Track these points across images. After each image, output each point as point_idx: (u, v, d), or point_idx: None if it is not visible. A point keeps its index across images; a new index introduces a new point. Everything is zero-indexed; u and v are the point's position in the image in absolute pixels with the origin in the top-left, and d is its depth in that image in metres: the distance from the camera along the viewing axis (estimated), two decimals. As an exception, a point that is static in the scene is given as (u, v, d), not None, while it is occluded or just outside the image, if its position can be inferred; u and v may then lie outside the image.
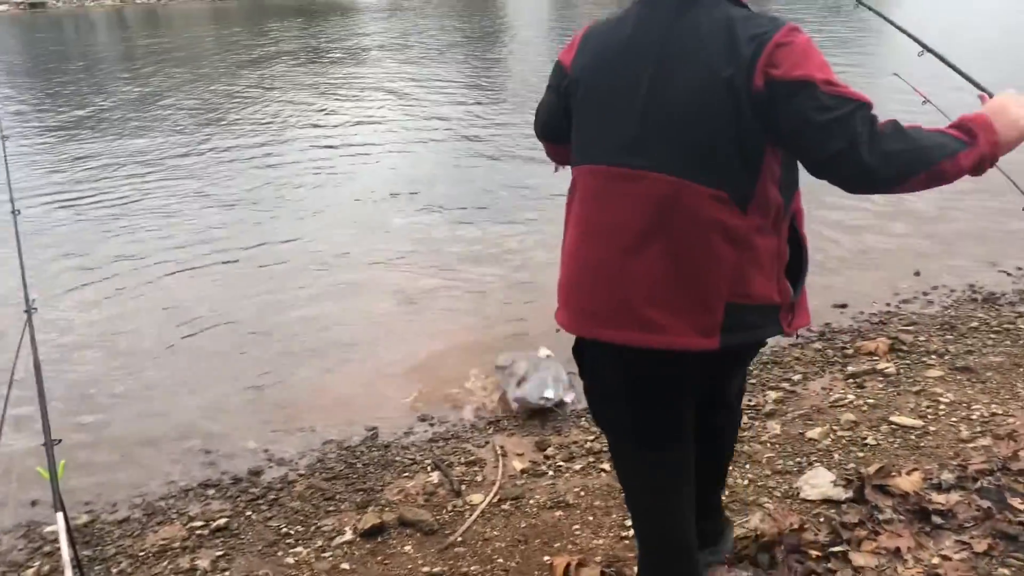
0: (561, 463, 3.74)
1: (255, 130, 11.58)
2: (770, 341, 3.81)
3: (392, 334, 5.32)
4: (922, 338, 4.88)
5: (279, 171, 9.40)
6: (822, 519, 3.11)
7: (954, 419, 3.84)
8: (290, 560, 3.17)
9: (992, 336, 4.85)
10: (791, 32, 1.86)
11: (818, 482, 3.34)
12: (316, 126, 11.75)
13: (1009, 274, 6.01)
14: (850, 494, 3.22)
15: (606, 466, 3.63)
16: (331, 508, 3.56)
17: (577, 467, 3.68)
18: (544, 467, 3.71)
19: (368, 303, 5.83)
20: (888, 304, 5.56)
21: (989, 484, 3.21)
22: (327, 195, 8.56)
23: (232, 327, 5.56)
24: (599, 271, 2.05)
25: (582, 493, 3.46)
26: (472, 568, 3.00)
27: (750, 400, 4.23)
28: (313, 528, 3.40)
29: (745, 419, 4.02)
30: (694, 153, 1.92)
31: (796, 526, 2.98)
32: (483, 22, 20.81)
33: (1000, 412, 3.87)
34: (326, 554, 3.20)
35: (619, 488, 3.43)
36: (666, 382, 2.15)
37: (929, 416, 3.89)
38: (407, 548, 3.19)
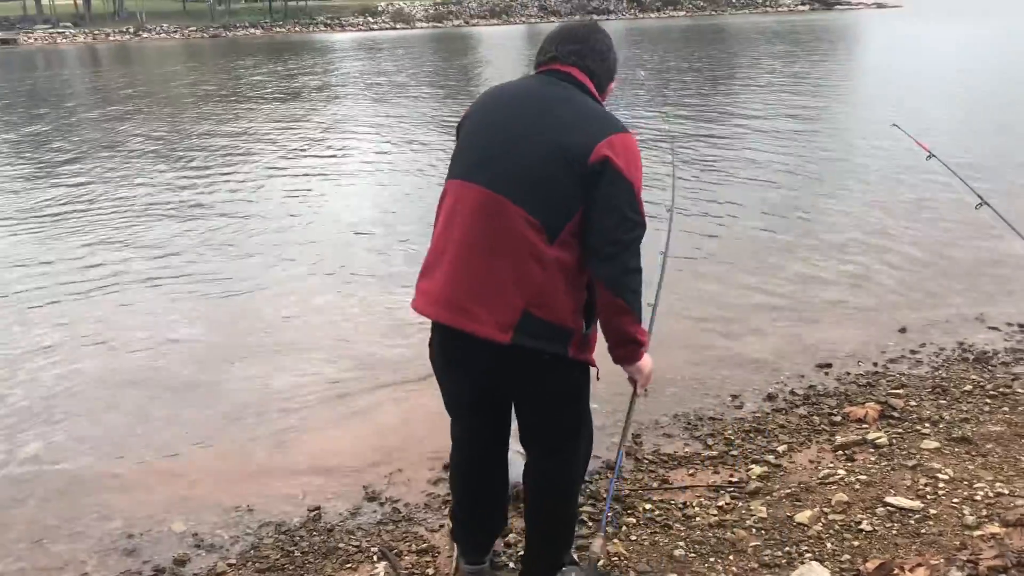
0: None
1: (225, 164, 11.20)
2: (751, 407, 4.55)
3: (347, 403, 4.90)
4: (913, 403, 4.55)
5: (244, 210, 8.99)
6: (819, 628, 2.72)
7: (956, 500, 3.50)
8: None
9: (988, 401, 4.53)
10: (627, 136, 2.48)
11: (813, 581, 2.96)
12: (281, 161, 11.37)
13: (999, 330, 5.72)
14: (846, 598, 2.84)
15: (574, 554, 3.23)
16: (259, 613, 3.12)
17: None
18: (504, 558, 3.31)
19: (318, 362, 5.41)
20: (875, 364, 5.24)
21: (1006, 585, 2.85)
22: (289, 237, 8.17)
23: (164, 380, 5.13)
24: (444, 263, 2.54)
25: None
26: None
27: (731, 476, 3.87)
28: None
29: (728, 499, 3.66)
30: (522, 185, 2.43)
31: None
32: (454, 61, 20.59)
33: (1006, 492, 3.53)
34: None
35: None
36: (471, 362, 2.60)
37: (928, 496, 3.54)
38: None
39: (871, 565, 2.93)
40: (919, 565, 2.95)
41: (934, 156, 2.73)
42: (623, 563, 3.22)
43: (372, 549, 3.48)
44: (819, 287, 6.62)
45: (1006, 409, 4.40)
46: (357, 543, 3.54)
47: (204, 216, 9.03)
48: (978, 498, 3.50)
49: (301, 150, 12.81)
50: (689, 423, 4.54)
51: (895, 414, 4.41)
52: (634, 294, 2.51)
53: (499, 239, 2.45)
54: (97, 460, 4.32)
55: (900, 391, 4.73)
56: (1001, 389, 4.66)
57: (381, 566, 3.35)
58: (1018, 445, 3.96)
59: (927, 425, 4.26)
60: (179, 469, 4.22)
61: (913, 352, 5.41)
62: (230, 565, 3.44)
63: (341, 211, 9.17)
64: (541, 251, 2.43)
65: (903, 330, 5.76)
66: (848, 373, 5.12)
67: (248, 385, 5.13)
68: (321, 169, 11.30)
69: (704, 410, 4.69)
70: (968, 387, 4.74)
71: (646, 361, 2.69)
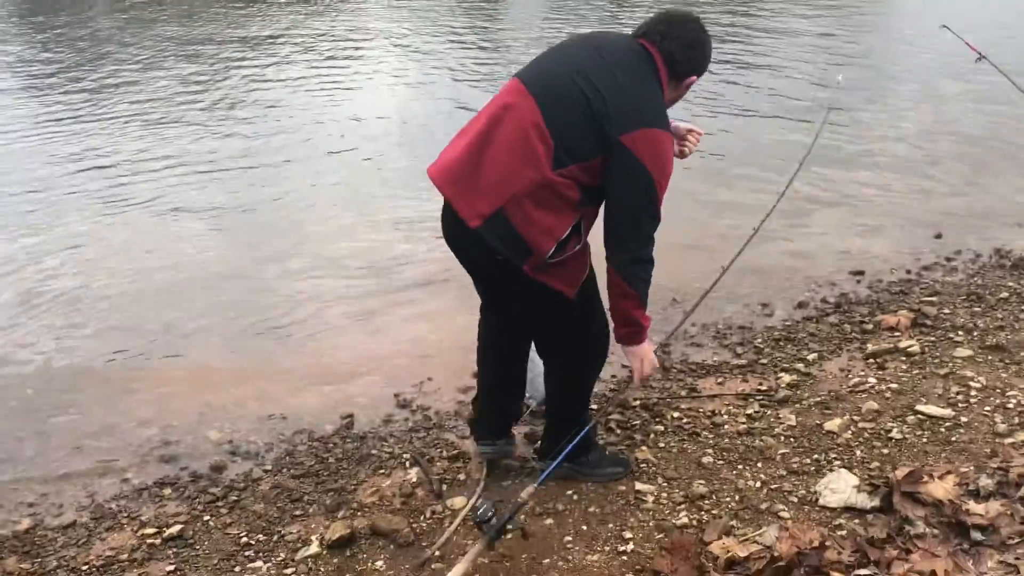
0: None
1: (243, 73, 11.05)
2: (782, 315, 4.69)
3: (377, 313, 4.92)
4: (947, 311, 4.49)
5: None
6: (845, 533, 2.75)
7: (988, 408, 3.48)
8: (252, 579, 2.82)
9: (1024, 308, 4.46)
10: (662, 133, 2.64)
11: (839, 487, 2.98)
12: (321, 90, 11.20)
13: (1035, 233, 5.60)
14: (876, 502, 2.86)
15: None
16: (298, 512, 3.20)
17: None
18: (534, 463, 3.34)
19: (352, 279, 5.38)
20: (908, 271, 5.17)
21: (1035, 489, 2.84)
22: (313, 149, 8.08)
23: (201, 296, 5.17)
24: (465, 138, 2.72)
25: (575, 498, 3.11)
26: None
27: (760, 384, 3.86)
28: (276, 537, 3.05)
29: (756, 407, 3.66)
30: (556, 105, 2.59)
31: (816, 543, 2.62)
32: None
33: (1042, 397, 3.50)
34: (288, 570, 2.85)
35: (616, 492, 3.09)
36: (459, 241, 2.80)
37: (960, 404, 3.52)
38: (378, 564, 2.85)
39: (900, 472, 2.92)
40: (948, 472, 2.94)
41: (984, 57, 2.64)
42: (651, 469, 3.24)
43: (404, 456, 3.54)
44: (851, 193, 6.48)
45: (1041, 317, 4.33)
46: (390, 450, 3.60)
47: (229, 126, 8.94)
48: (1010, 406, 3.48)
49: (324, 60, 12.59)
50: (718, 332, 4.52)
51: (928, 322, 4.36)
52: (642, 282, 2.73)
53: (513, 138, 2.61)
54: (132, 371, 4.39)
55: (933, 298, 4.67)
56: (1040, 297, 4.58)
57: (413, 471, 3.40)
58: (1053, 352, 3.90)
59: (960, 333, 4.21)
60: (212, 379, 4.29)
61: (948, 259, 5.33)
62: (266, 471, 3.52)
63: (370, 125, 9.01)
64: (541, 168, 2.57)
65: (939, 236, 5.66)
66: (880, 280, 5.05)
67: (274, 296, 5.15)
68: (348, 81, 11.10)
69: (733, 319, 4.66)
70: (1004, 294, 4.67)
71: (646, 348, 2.89)
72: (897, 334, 4.26)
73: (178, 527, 3.14)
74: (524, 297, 2.84)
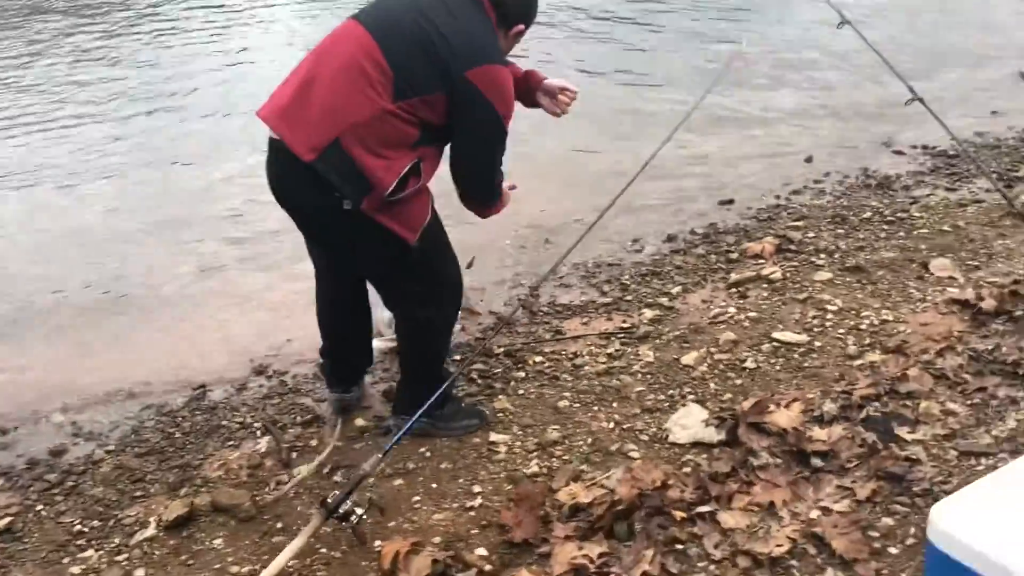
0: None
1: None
2: (651, 249, 4.65)
3: (229, 273, 4.70)
4: (811, 234, 4.51)
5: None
6: (690, 469, 2.72)
7: (842, 331, 3.50)
8: (75, 570, 2.66)
9: (885, 227, 4.51)
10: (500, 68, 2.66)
11: (689, 422, 2.96)
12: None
13: (904, 153, 5.67)
14: (723, 435, 2.84)
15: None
16: (138, 493, 3.04)
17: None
18: (389, 421, 3.23)
19: (201, 240, 5.09)
20: (778, 197, 5.18)
21: (876, 412, 2.87)
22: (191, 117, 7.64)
23: (55, 266, 4.86)
24: (296, 76, 2.66)
25: (427, 455, 3.02)
26: (290, 564, 2.52)
27: (623, 322, 3.81)
28: (112, 522, 2.88)
29: (618, 345, 3.62)
30: (395, 40, 2.57)
31: (659, 483, 2.58)
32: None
33: (891, 319, 3.54)
34: (120, 557, 2.69)
35: (471, 446, 3.01)
36: (288, 181, 2.71)
37: (815, 329, 3.53)
38: (217, 542, 2.71)
39: (747, 404, 2.91)
40: (795, 400, 2.95)
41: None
42: (508, 418, 3.17)
43: (255, 424, 3.39)
44: (723, 125, 6.44)
45: (902, 234, 4.38)
46: (241, 419, 3.44)
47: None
48: (863, 327, 3.50)
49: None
50: (587, 271, 4.45)
51: (792, 247, 4.36)
52: (494, 198, 2.90)
53: (349, 69, 2.55)
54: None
55: (800, 223, 4.69)
56: (899, 214, 4.64)
57: (264, 441, 3.26)
58: (908, 270, 3.95)
59: (823, 256, 4.23)
60: (57, 356, 4.04)
61: (817, 182, 5.35)
62: (108, 452, 3.32)
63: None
64: (380, 97, 2.53)
65: (809, 159, 5.69)
66: (750, 208, 5.05)
67: (125, 266, 4.85)
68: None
69: (603, 257, 4.60)
70: (867, 214, 4.71)
71: (503, 202, 3.01)
72: (761, 261, 4.25)
73: (6, 520, 2.94)
74: (363, 243, 2.75)
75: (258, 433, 3.33)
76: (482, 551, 2.50)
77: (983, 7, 9.30)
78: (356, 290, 3.14)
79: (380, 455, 2.60)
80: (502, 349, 3.70)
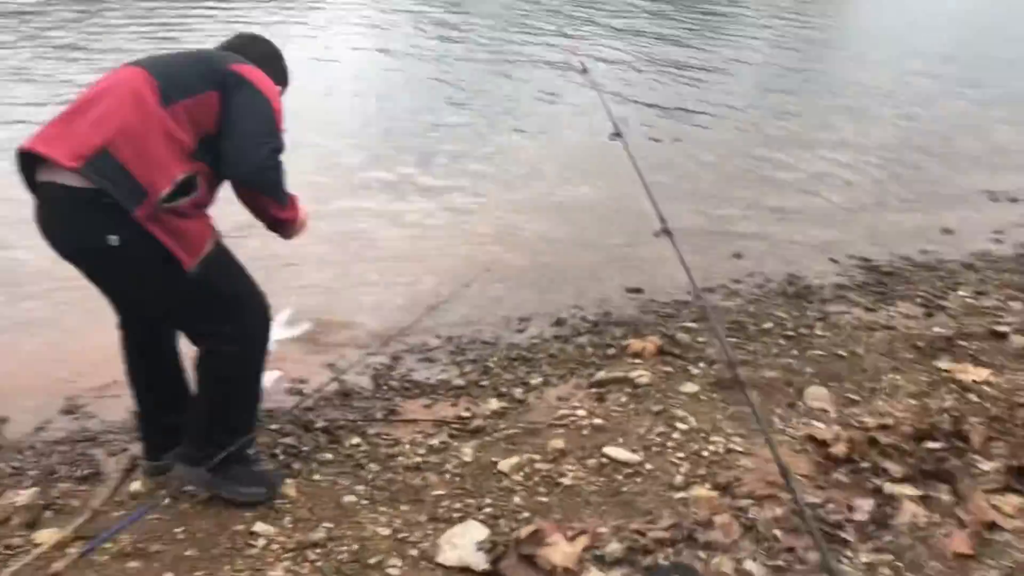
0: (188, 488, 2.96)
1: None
2: (534, 331, 4.41)
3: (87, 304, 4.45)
4: (701, 339, 4.22)
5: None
6: (438, 600, 2.42)
7: (680, 455, 3.19)
8: None
9: (781, 342, 4.21)
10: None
11: (462, 542, 2.66)
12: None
13: (838, 262, 5.39)
14: (488, 565, 2.54)
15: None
16: None
17: (191, 499, 2.92)
18: (174, 474, 2.95)
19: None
20: (689, 292, 4.87)
21: (664, 560, 2.55)
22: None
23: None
24: (59, 115, 2.55)
25: (180, 536, 2.73)
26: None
27: (465, 410, 3.53)
28: None
29: (445, 437, 3.36)
30: (160, 65, 2.63)
31: (385, 615, 2.28)
32: None
33: (740, 449, 3.23)
34: None
35: (232, 532, 2.74)
36: (61, 210, 2.51)
37: (654, 449, 3.23)
38: (-95, 611, 2.43)
39: (525, 531, 2.61)
40: (583, 533, 2.64)
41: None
42: (287, 507, 2.89)
43: (31, 472, 3.14)
44: (682, 204, 6.20)
45: (795, 352, 4.09)
46: (19, 463, 3.20)
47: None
48: (705, 454, 3.20)
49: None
50: (459, 346, 4.19)
51: (675, 350, 4.07)
52: (272, 184, 2.67)
53: (112, 90, 2.54)
54: None
55: (695, 324, 4.40)
56: (801, 330, 4.35)
57: (27, 493, 2.99)
58: (781, 395, 3.65)
59: (702, 365, 3.94)
60: None
61: (736, 281, 5.08)
62: None
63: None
64: (148, 105, 2.49)
65: (738, 255, 5.41)
66: (655, 300, 4.79)
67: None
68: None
69: (482, 332, 4.34)
70: (769, 324, 4.42)
71: (301, 223, 2.92)
72: (638, 361, 3.97)
73: None
74: (140, 274, 2.59)
75: (27, 483, 3.06)
76: (172, 665, 2.21)
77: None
78: (159, 342, 2.93)
79: (78, 553, 2.37)
80: (324, 423, 3.43)
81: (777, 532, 2.68)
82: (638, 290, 4.86)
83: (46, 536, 2.74)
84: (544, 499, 2.93)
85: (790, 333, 4.30)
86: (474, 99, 8.91)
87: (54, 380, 3.75)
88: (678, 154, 7.36)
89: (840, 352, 4.07)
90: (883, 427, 3.28)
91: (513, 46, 11.84)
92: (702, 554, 2.59)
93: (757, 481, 2.96)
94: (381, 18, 13.93)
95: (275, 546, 2.70)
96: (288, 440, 3.31)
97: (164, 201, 2.46)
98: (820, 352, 4.07)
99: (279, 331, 3.92)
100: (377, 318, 4.37)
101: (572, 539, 2.62)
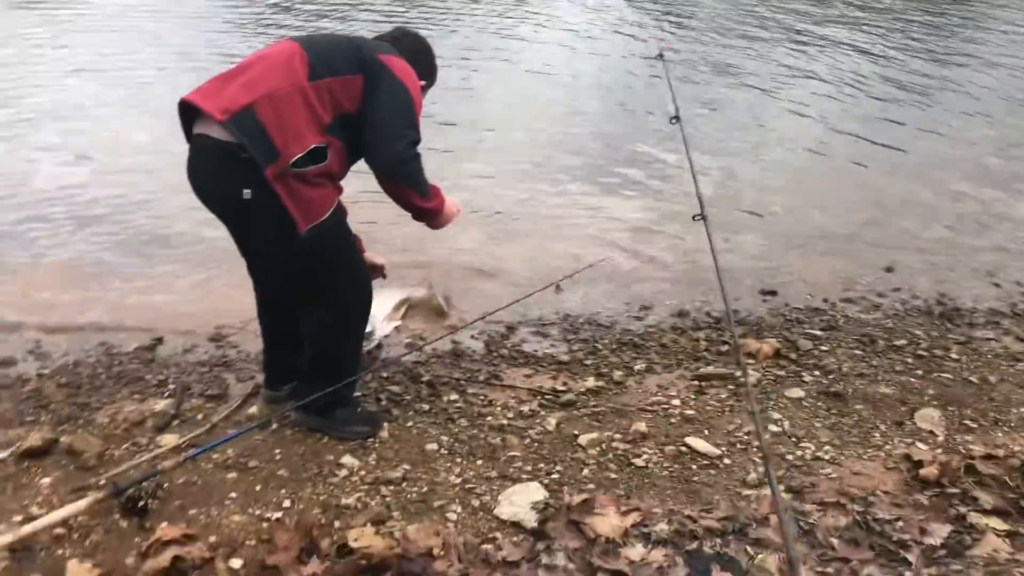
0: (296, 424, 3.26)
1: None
2: (652, 320, 4.44)
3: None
4: (824, 348, 4.11)
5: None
6: (484, 548, 2.57)
7: (762, 456, 3.15)
8: (-76, 468, 2.90)
9: (909, 361, 4.02)
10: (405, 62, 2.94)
11: (520, 500, 2.80)
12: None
13: (999, 286, 5.03)
14: (536, 524, 2.66)
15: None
16: (30, 418, 3.27)
17: (296, 428, 3.22)
18: (290, 412, 3.27)
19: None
20: (826, 300, 4.75)
21: (710, 549, 2.58)
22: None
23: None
24: (218, 75, 2.83)
25: (277, 457, 3.04)
26: (83, 517, 2.63)
27: (562, 385, 3.64)
28: (-9, 437, 3.12)
29: (535, 406, 3.47)
30: (314, 43, 2.86)
31: (429, 550, 2.47)
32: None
33: (827, 457, 3.16)
34: (-34, 469, 2.91)
35: (321, 461, 3.01)
36: (207, 158, 2.79)
37: (738, 446, 3.23)
38: (45, 480, 2.87)
39: (577, 498, 2.71)
40: (635, 510, 2.71)
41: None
42: (376, 445, 3.13)
43: (171, 385, 3.55)
44: (824, 207, 6.01)
45: (919, 372, 3.90)
46: (163, 376, 3.62)
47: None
48: (790, 457, 3.17)
49: None
50: (573, 325, 4.30)
51: (793, 355, 4.00)
52: (412, 176, 2.90)
53: (267, 58, 2.80)
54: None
55: (821, 333, 4.28)
56: (935, 351, 4.13)
57: (164, 403, 3.40)
58: (890, 412, 3.51)
59: (816, 373, 3.85)
60: (54, 278, 4.40)
61: (880, 295, 4.86)
62: (40, 375, 3.60)
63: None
64: (297, 75, 2.72)
65: (889, 269, 5.17)
66: (787, 305, 4.67)
67: (141, 213, 5.21)
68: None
69: (600, 315, 4.42)
70: (902, 342, 4.22)
71: (449, 211, 3.12)
72: (751, 361, 3.93)
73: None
74: (260, 229, 2.83)
75: (166, 393, 3.47)
76: (237, 562, 2.49)
77: None
78: (284, 293, 3.18)
79: (183, 457, 2.70)
80: (430, 377, 3.65)
81: (835, 541, 2.63)
82: (772, 292, 4.76)
83: (167, 440, 3.13)
84: (613, 475, 3.01)
85: (922, 353, 4.10)
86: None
87: (208, 311, 4.17)
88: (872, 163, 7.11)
89: (971, 378, 3.84)
90: (990, 456, 3.10)
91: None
92: (750, 549, 2.59)
93: (830, 490, 2.90)
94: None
95: (355, 478, 2.94)
96: (395, 388, 3.55)
97: (293, 165, 2.68)
98: (948, 375, 3.86)
99: (391, 315, 4.19)
100: (505, 289, 4.53)
101: (624, 514, 2.69)
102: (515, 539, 2.63)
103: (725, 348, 4.07)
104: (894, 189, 6.58)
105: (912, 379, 3.82)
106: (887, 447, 3.26)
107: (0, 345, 3.84)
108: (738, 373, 3.76)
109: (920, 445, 3.27)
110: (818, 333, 4.27)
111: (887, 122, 8.34)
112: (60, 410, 3.32)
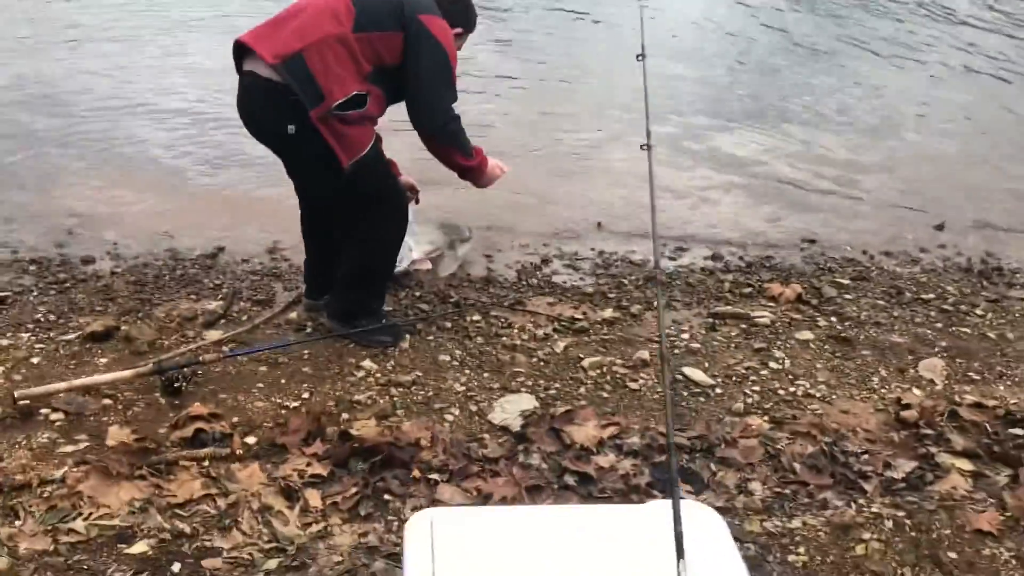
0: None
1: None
2: (686, 260, 4.61)
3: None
4: (849, 296, 4.19)
5: None
6: (470, 445, 2.85)
7: (756, 388, 3.33)
8: (3, 343, 3.35)
9: (933, 314, 4.07)
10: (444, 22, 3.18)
11: (512, 407, 3.06)
12: None
13: (1054, 250, 4.96)
14: (519, 428, 2.92)
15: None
16: (99, 308, 3.69)
17: (329, 333, 3.54)
18: (323, 320, 3.61)
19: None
20: (865, 252, 4.79)
21: (682, 462, 2.79)
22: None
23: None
24: (271, 19, 3.15)
25: (305, 356, 3.38)
26: (113, 387, 3.02)
27: (582, 314, 3.86)
28: (64, 320, 3.56)
29: (550, 330, 3.70)
30: None
31: (418, 441, 2.76)
32: None
33: (818, 395, 3.31)
34: (40, 345, 3.34)
35: (343, 362, 3.32)
36: (257, 95, 3.10)
37: (734, 379, 3.39)
38: (103, 360, 3.28)
39: (561, 409, 2.95)
40: (614, 424, 2.94)
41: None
42: (395, 352, 3.42)
43: (224, 289, 3.92)
44: (874, 166, 5.97)
45: (939, 325, 3.95)
46: (219, 281, 4.00)
47: None
48: (782, 392, 3.32)
49: None
50: (606, 261, 4.49)
51: (814, 300, 4.10)
52: (455, 136, 3.23)
53: (320, 7, 3.05)
54: (67, 161, 5.15)
55: (850, 282, 4.35)
56: (962, 306, 4.16)
57: (215, 304, 3.78)
58: (895, 360, 3.60)
59: (833, 319, 3.95)
60: (136, 192, 4.84)
61: (923, 250, 4.87)
62: (114, 273, 4.03)
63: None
64: (343, 25, 2.99)
65: (940, 227, 5.15)
66: (823, 254, 4.74)
67: (222, 132, 5.57)
68: None
69: (635, 253, 4.59)
70: (930, 296, 4.26)
71: (492, 172, 3.43)
72: (771, 304, 4.05)
73: (9, 293, 3.72)
74: (310, 157, 3.16)
75: (219, 296, 3.85)
76: (252, 439, 2.83)
77: None
78: (326, 213, 3.52)
79: (223, 353, 3.08)
80: (457, 298, 3.92)
81: (797, 466, 2.80)
82: (812, 240, 4.83)
83: (212, 335, 3.50)
84: (605, 395, 3.23)
85: (947, 307, 4.13)
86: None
87: (265, 226, 4.53)
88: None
89: (990, 334, 3.88)
90: (978, 405, 3.19)
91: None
92: (713, 467, 2.79)
93: (811, 424, 3.05)
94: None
95: (371, 379, 3.25)
96: (423, 306, 3.84)
97: (336, 108, 2.99)
98: (967, 330, 3.91)
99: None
100: (551, 225, 4.74)
101: (603, 427, 2.92)
102: (500, 440, 2.89)
103: (747, 291, 4.19)
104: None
105: (928, 331, 3.88)
106: (882, 391, 3.37)
107: (85, 244, 4.28)
108: (756, 313, 3.90)
109: (916, 391, 3.37)
110: (846, 282, 4.34)
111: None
112: (125, 303, 3.73)
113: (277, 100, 3.02)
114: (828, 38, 9.20)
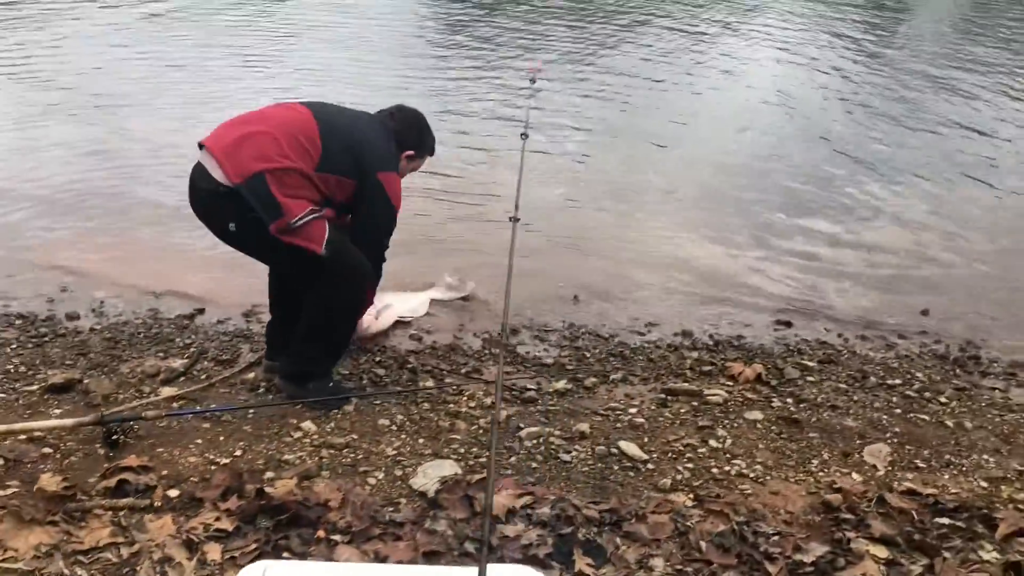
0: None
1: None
2: (654, 336, 4.65)
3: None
4: (811, 379, 4.17)
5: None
6: (384, 509, 2.90)
7: (690, 466, 3.32)
8: (-32, 388, 3.53)
9: (894, 400, 4.02)
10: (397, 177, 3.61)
11: (433, 473, 3.11)
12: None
13: (1032, 346, 4.86)
14: (434, 493, 2.97)
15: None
16: (69, 363, 3.86)
17: (279, 394, 3.66)
18: (275, 378, 3.74)
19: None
20: (840, 335, 4.76)
21: (584, 535, 2.80)
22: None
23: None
24: (239, 126, 3.40)
25: (250, 415, 3.48)
26: (69, 443, 3.16)
27: (537, 384, 3.91)
28: (31, 373, 3.74)
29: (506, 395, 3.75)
30: (335, 123, 3.47)
31: (327, 502, 2.83)
32: None
33: (751, 476, 3.28)
34: (2, 394, 3.52)
35: (287, 425, 3.42)
36: (215, 201, 3.34)
37: (669, 455, 3.39)
38: (56, 411, 3.43)
39: (476, 477, 2.99)
40: (528, 494, 2.96)
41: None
42: (338, 416, 3.51)
43: (192, 348, 4.07)
44: (875, 245, 5.95)
45: (898, 411, 3.89)
46: (190, 341, 4.16)
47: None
48: (715, 471, 3.30)
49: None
50: (574, 334, 4.54)
51: (773, 381, 4.09)
52: (379, 275, 3.69)
53: (287, 134, 3.32)
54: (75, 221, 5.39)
55: (815, 365, 4.33)
56: (926, 393, 4.09)
57: (180, 362, 3.93)
58: (842, 444, 3.56)
59: (788, 400, 3.93)
60: (134, 253, 5.08)
61: (901, 336, 4.81)
62: (92, 330, 4.22)
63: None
64: (308, 164, 3.32)
65: (925, 312, 5.09)
66: (797, 336, 4.72)
67: None
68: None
69: (605, 327, 4.64)
70: (897, 381, 4.21)
71: (367, 320, 4.04)
72: (730, 384, 4.06)
73: (-13, 345, 3.93)
74: (275, 253, 3.46)
75: (185, 355, 4.00)
76: (174, 492, 2.93)
77: None
78: (294, 280, 3.67)
79: (165, 411, 3.21)
80: (415, 365, 4.01)
81: (704, 544, 2.78)
82: (787, 324, 4.82)
83: (165, 391, 3.63)
84: (534, 465, 3.26)
85: (911, 394, 4.07)
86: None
87: (248, 290, 4.69)
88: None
89: (947, 422, 3.81)
90: (911, 492, 3.14)
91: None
92: (619, 541, 2.79)
93: (734, 504, 3.03)
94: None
95: (306, 440, 3.34)
96: (380, 371, 3.94)
97: (294, 222, 3.27)
98: (925, 417, 3.85)
99: (441, 291, 4.64)
100: (529, 299, 4.83)
101: (518, 496, 2.94)
102: (415, 505, 2.93)
103: (707, 369, 4.20)
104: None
105: (885, 416, 3.82)
106: (820, 474, 3.33)
107: (75, 301, 4.50)
108: (708, 391, 3.91)
109: (855, 476, 3.32)
110: (811, 364, 4.32)
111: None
112: (96, 359, 3.91)
113: (222, 203, 3.30)
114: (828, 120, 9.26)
